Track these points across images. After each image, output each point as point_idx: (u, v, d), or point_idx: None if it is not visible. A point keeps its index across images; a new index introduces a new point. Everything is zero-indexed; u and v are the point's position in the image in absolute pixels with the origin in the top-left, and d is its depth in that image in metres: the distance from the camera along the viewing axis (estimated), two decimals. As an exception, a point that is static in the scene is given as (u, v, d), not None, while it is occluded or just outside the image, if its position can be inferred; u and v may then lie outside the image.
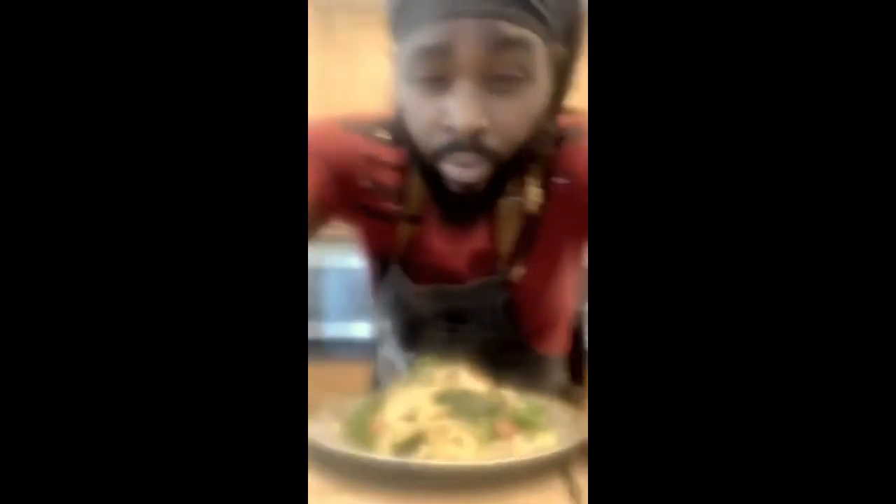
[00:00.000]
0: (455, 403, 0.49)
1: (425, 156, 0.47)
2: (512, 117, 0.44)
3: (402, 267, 0.57)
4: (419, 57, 0.43)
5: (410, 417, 0.48)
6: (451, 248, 0.56)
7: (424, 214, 0.56)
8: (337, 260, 2.22)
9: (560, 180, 0.53)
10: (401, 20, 0.45)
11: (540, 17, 0.43)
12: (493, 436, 0.48)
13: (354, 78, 2.17)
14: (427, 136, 0.46)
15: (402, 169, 0.55)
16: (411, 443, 0.46)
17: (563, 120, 0.53)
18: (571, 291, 0.61)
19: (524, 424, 0.50)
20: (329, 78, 2.19)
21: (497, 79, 0.43)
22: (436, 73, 0.43)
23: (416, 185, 0.54)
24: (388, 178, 0.55)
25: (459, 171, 0.45)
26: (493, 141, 0.44)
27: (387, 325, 0.64)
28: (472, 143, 0.44)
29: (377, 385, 0.74)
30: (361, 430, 0.49)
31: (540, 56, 0.44)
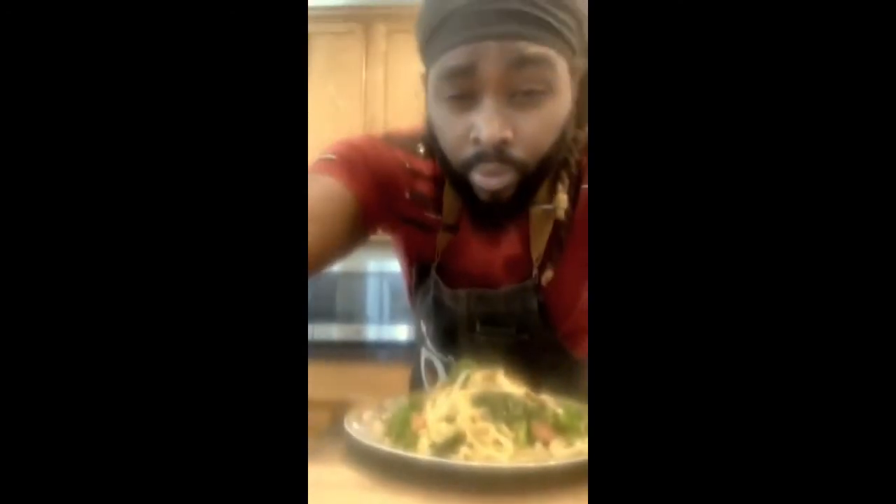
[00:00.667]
0: (494, 406, 0.49)
1: (455, 168, 0.51)
2: (535, 129, 0.48)
3: (439, 273, 0.60)
4: (447, 77, 0.48)
5: (450, 419, 0.49)
6: (486, 255, 0.59)
7: (460, 223, 0.59)
8: (378, 264, 2.26)
9: (587, 187, 0.56)
10: (431, 46, 0.50)
11: (559, 34, 0.47)
12: (532, 439, 0.48)
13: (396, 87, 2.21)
14: (457, 149, 0.50)
15: (439, 181, 0.59)
16: (451, 443, 0.47)
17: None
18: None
19: (562, 429, 0.50)
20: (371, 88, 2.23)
21: (520, 94, 0.47)
22: (462, 91, 0.48)
23: (452, 196, 0.58)
24: (428, 190, 0.60)
25: (486, 179, 0.49)
26: (517, 151, 0.48)
27: (425, 328, 0.66)
28: (497, 153, 0.48)
29: (417, 386, 0.76)
30: (403, 429, 0.50)
31: (561, 70, 0.48)
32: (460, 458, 0.46)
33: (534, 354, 0.59)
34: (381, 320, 2.30)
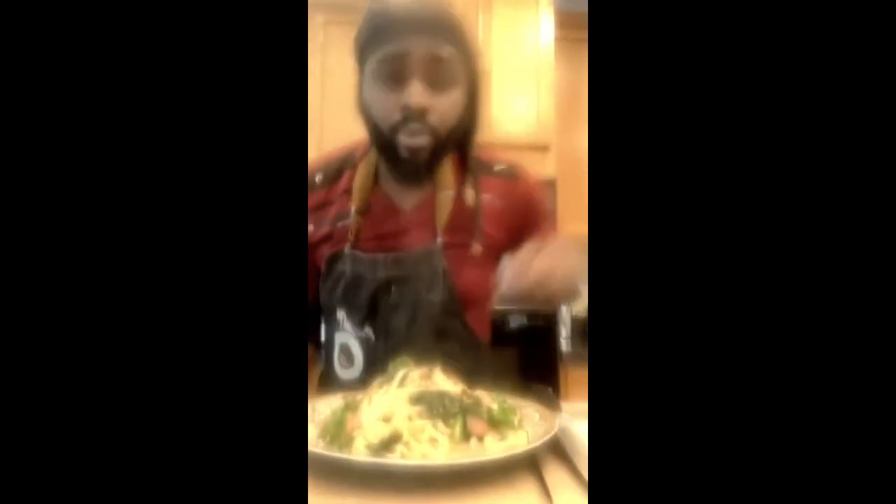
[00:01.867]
0: (430, 404, 0.50)
1: (384, 132, 0.68)
2: (445, 106, 0.67)
3: (353, 249, 0.74)
4: (384, 62, 0.66)
5: (387, 418, 0.49)
6: (396, 227, 0.74)
7: (371, 203, 0.75)
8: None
9: (487, 195, 0.75)
10: (368, 44, 0.68)
11: (459, 40, 0.68)
12: (467, 435, 0.49)
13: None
14: (387, 118, 0.67)
15: (339, 193, 0.77)
16: (387, 443, 0.47)
17: (502, 157, 0.79)
18: (490, 282, 0.72)
19: (496, 424, 0.51)
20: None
21: (435, 78, 0.66)
22: (394, 73, 0.66)
23: (362, 180, 0.75)
24: (329, 204, 0.77)
25: (410, 139, 0.67)
26: (433, 119, 0.67)
27: (341, 313, 0.75)
28: (419, 116, 0.66)
29: (329, 378, 0.79)
30: (338, 431, 0.50)
31: (460, 71, 0.68)
32: (397, 457, 0.46)
33: (438, 313, 0.71)
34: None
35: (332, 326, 0.78)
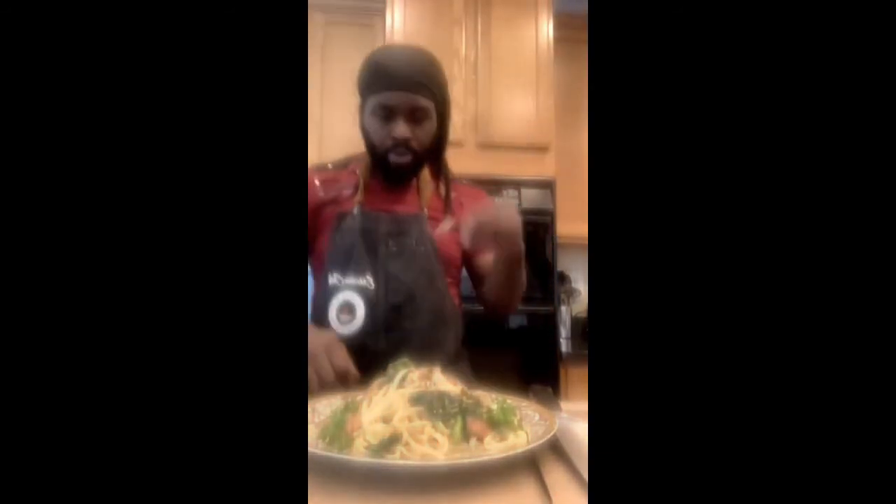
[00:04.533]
0: (431, 404, 0.50)
1: (379, 153, 0.98)
2: (422, 135, 0.97)
3: (363, 210, 1.00)
4: (378, 108, 0.96)
5: (386, 419, 0.49)
6: (391, 204, 1.02)
7: (373, 183, 1.03)
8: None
9: (454, 193, 1.06)
10: (367, 89, 0.98)
11: (432, 94, 0.97)
12: (467, 435, 0.49)
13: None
14: (381, 143, 0.97)
15: (349, 172, 1.05)
16: (387, 444, 0.47)
17: (460, 187, 1.08)
18: (458, 251, 1.03)
19: (496, 424, 0.51)
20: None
21: (415, 118, 0.96)
22: (385, 115, 0.96)
23: (368, 173, 1.03)
24: (339, 180, 1.04)
25: (397, 158, 0.97)
26: (414, 144, 0.97)
27: (344, 266, 0.96)
28: (404, 144, 0.96)
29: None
30: (337, 432, 0.50)
31: (432, 109, 0.98)
32: (396, 458, 0.46)
33: (426, 262, 0.97)
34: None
35: (328, 291, 0.95)
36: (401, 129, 0.94)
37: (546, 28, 2.24)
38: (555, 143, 2.20)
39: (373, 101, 0.95)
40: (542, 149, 2.19)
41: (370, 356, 0.82)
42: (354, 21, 2.34)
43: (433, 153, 1.02)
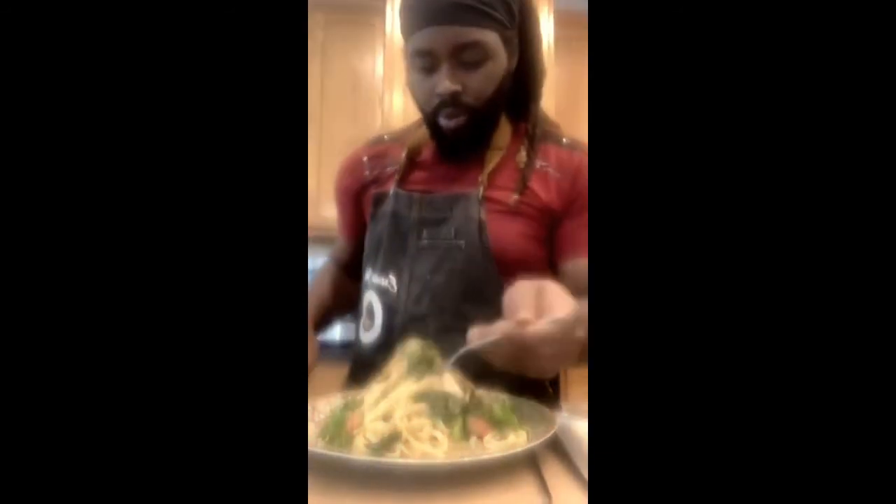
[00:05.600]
0: (431, 402, 0.50)
1: (427, 114, 0.72)
2: (478, 83, 0.69)
3: (398, 189, 0.76)
4: (414, 56, 0.70)
5: (387, 417, 0.49)
6: (442, 173, 0.76)
7: (423, 150, 0.79)
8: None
9: (543, 162, 0.74)
10: (404, 29, 0.71)
11: (490, 17, 0.67)
12: (467, 434, 0.49)
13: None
14: (426, 102, 0.71)
15: (397, 146, 0.82)
16: (387, 442, 0.47)
17: (564, 132, 0.79)
18: (544, 256, 0.72)
19: (497, 423, 0.51)
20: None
21: (465, 61, 0.68)
22: (425, 65, 0.69)
23: (421, 134, 0.79)
24: (387, 154, 0.82)
25: (447, 121, 0.70)
26: (467, 98, 0.69)
27: (374, 259, 0.77)
28: (452, 101, 0.69)
29: (359, 349, 0.76)
30: (337, 430, 0.50)
31: (494, 42, 0.68)
32: (396, 456, 0.46)
33: (465, 263, 0.69)
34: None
35: (362, 288, 0.77)
36: (444, 80, 0.66)
37: (546, 27, 2.24)
38: (555, 143, 2.20)
39: (409, 46, 0.69)
40: (542, 148, 2.18)
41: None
42: (355, 21, 2.34)
43: (509, 105, 0.73)
